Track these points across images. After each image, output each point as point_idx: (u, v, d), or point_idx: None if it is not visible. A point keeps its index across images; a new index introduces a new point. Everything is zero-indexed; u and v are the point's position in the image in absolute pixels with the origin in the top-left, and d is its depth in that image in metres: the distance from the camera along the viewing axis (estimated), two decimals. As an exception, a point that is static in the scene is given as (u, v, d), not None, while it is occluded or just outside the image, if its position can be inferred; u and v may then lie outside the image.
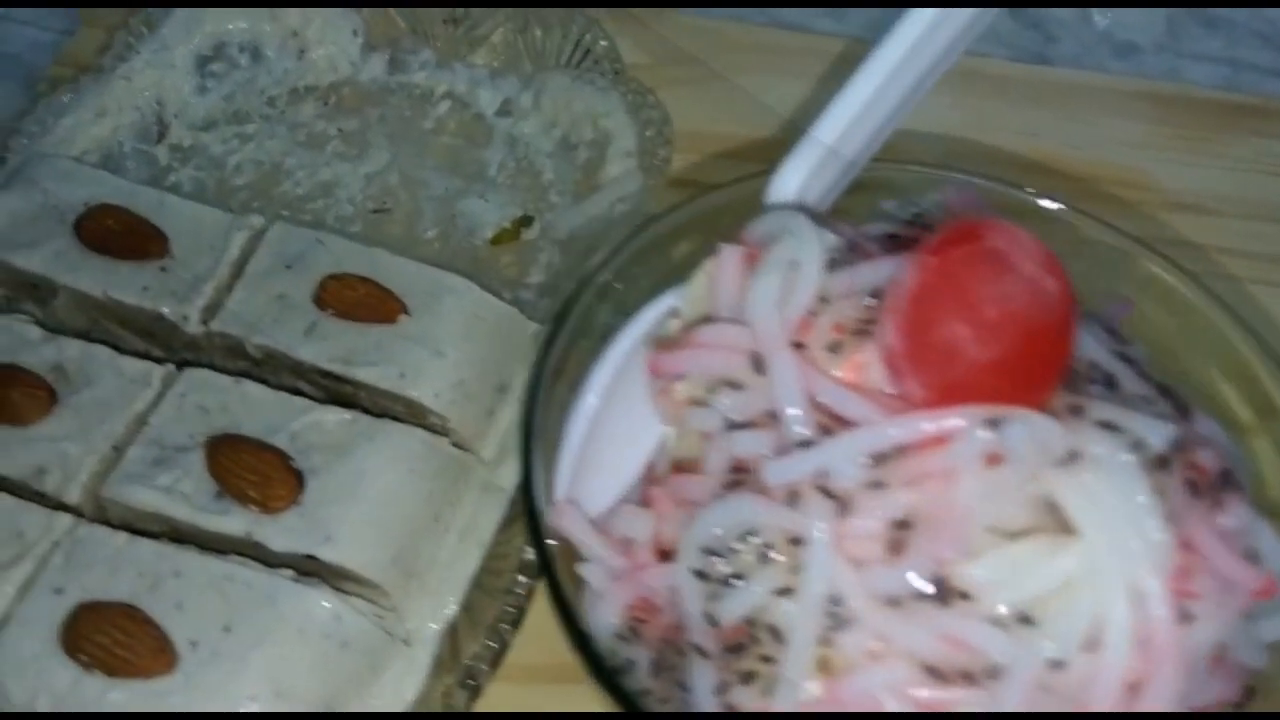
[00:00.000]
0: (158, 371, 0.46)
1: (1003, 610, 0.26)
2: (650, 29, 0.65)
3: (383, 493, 0.43)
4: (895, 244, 0.32)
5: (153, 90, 0.59)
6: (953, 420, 0.26)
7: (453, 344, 0.46)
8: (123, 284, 0.48)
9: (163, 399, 0.45)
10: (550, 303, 0.53)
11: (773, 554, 0.27)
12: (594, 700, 0.30)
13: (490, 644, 0.41)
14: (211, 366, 0.47)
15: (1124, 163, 0.61)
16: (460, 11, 0.62)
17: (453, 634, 0.43)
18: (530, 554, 0.43)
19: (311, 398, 0.46)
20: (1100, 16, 0.72)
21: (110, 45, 0.60)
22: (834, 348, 0.28)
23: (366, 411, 0.45)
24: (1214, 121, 0.64)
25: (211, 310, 0.48)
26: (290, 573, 0.41)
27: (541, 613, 0.43)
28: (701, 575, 0.28)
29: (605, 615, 0.30)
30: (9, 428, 0.44)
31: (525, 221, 0.56)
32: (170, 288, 0.48)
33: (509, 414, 0.48)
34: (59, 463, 0.43)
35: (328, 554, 0.41)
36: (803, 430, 0.28)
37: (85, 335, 0.48)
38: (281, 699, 0.38)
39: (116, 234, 0.49)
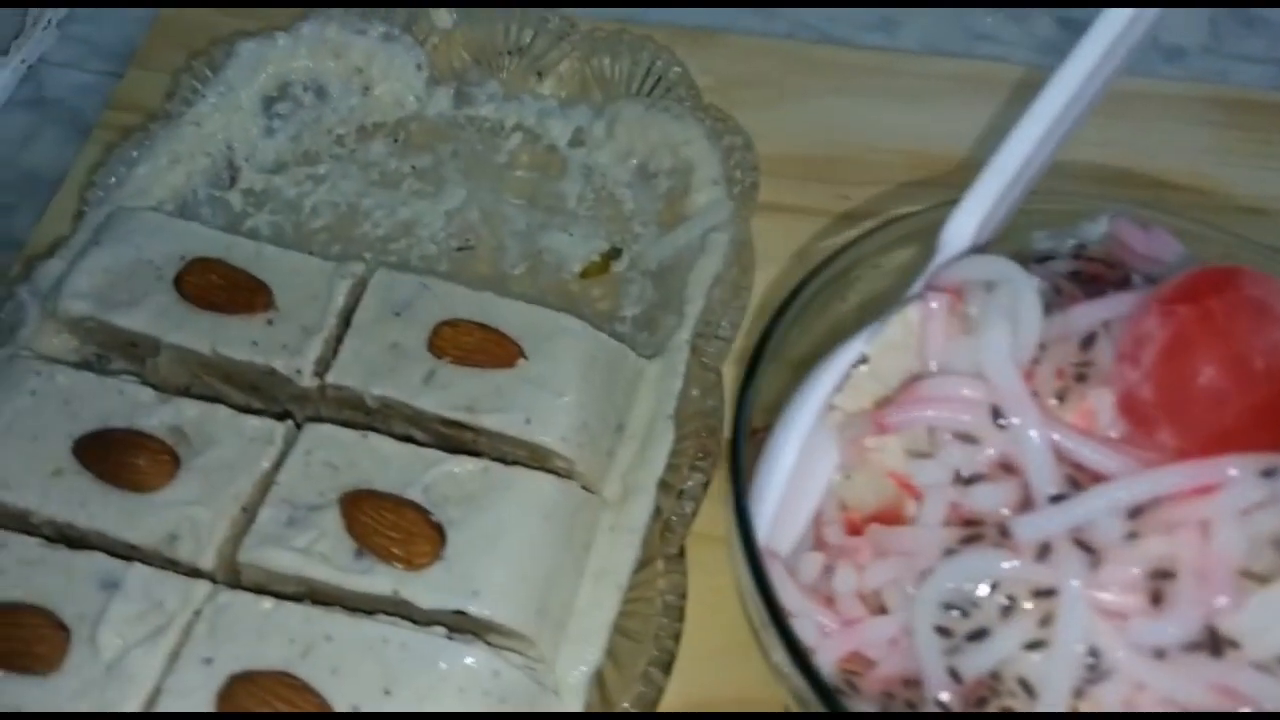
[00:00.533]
0: (279, 429, 0.45)
1: (1267, 656, 0.26)
2: (709, 51, 0.65)
3: (522, 542, 0.42)
4: (1086, 281, 0.32)
5: (222, 134, 0.58)
6: (1229, 470, 0.26)
7: (573, 386, 0.46)
8: (231, 340, 0.47)
9: (287, 457, 0.44)
10: (648, 335, 0.52)
11: (1019, 606, 0.27)
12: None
13: (644, 690, 0.41)
14: (319, 418, 0.46)
15: (1194, 169, 0.62)
16: (523, 41, 0.62)
17: (600, 682, 0.42)
18: (670, 597, 0.43)
19: (425, 445, 0.45)
20: (1145, 21, 0.73)
21: (175, 89, 0.59)
22: (1061, 395, 0.29)
23: (482, 457, 0.45)
24: (1273, 122, 0.65)
25: (324, 362, 0.47)
26: (442, 630, 0.40)
27: (689, 656, 0.43)
28: (942, 631, 0.28)
29: (821, 669, 0.30)
30: (135, 495, 0.43)
31: (614, 254, 0.56)
32: (280, 341, 0.47)
33: (627, 453, 0.48)
34: (190, 528, 0.42)
35: (477, 609, 0.41)
36: (1051, 486, 0.28)
37: (185, 392, 0.47)
38: (449, 761, 0.38)
39: (220, 289, 0.48)
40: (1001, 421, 0.29)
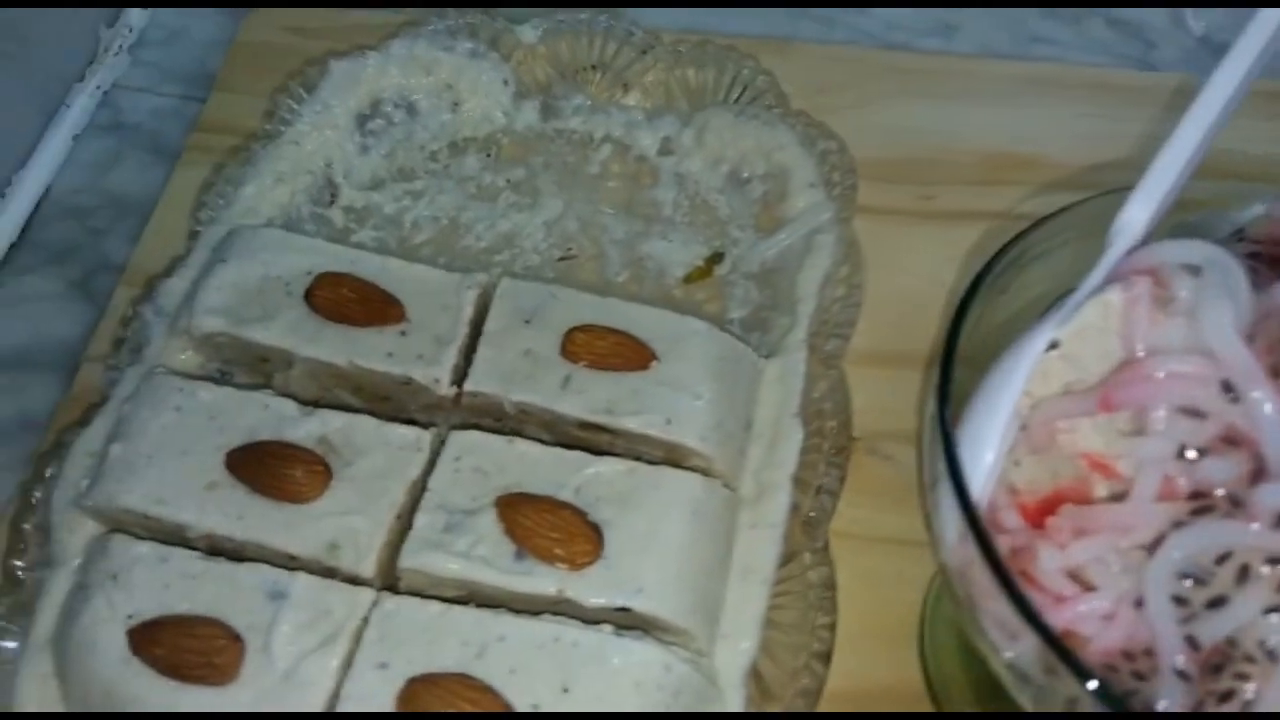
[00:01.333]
0: (425, 436, 0.45)
1: None
2: (785, 59, 0.66)
3: (677, 539, 0.43)
4: (1269, 262, 0.33)
5: (320, 153, 0.59)
6: None
7: (706, 386, 0.47)
8: (367, 351, 0.47)
9: (436, 464, 0.45)
10: (759, 336, 0.53)
11: (1256, 573, 0.28)
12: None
13: (807, 682, 0.42)
14: (460, 427, 0.47)
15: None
16: (606, 56, 0.63)
17: (756, 676, 0.43)
18: (822, 590, 0.44)
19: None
20: (1194, 20, 0.75)
21: (274, 109, 0.60)
22: (1275, 370, 0.30)
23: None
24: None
25: (459, 371, 0.48)
26: (610, 628, 0.41)
27: (844, 647, 0.44)
28: (1177, 600, 0.29)
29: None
30: (291, 506, 0.43)
31: (716, 258, 0.57)
32: (415, 351, 0.47)
33: (756, 452, 0.48)
34: (348, 537, 0.43)
35: (641, 605, 0.41)
36: (1286, 455, 0.29)
37: (315, 405, 0.48)
38: (631, 755, 0.39)
39: (352, 302, 0.48)
40: (1232, 395, 0.30)
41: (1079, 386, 0.33)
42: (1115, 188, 0.36)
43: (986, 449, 0.32)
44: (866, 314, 0.54)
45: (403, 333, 0.48)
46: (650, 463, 0.45)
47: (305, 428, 0.45)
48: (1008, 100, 0.65)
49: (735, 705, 0.42)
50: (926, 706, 0.45)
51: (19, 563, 0.44)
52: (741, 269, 0.57)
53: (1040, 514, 0.34)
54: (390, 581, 0.43)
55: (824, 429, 0.48)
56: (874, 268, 0.56)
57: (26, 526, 0.45)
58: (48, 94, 0.68)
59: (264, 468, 0.44)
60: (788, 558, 0.45)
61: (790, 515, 0.46)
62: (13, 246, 0.63)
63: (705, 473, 0.46)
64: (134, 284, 0.57)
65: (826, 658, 0.43)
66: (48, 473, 0.46)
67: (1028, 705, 0.32)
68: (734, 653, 0.43)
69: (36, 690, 0.42)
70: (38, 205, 0.65)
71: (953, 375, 0.32)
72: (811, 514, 0.46)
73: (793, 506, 0.46)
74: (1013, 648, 0.31)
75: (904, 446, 0.51)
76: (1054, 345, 0.33)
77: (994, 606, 0.31)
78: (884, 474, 0.51)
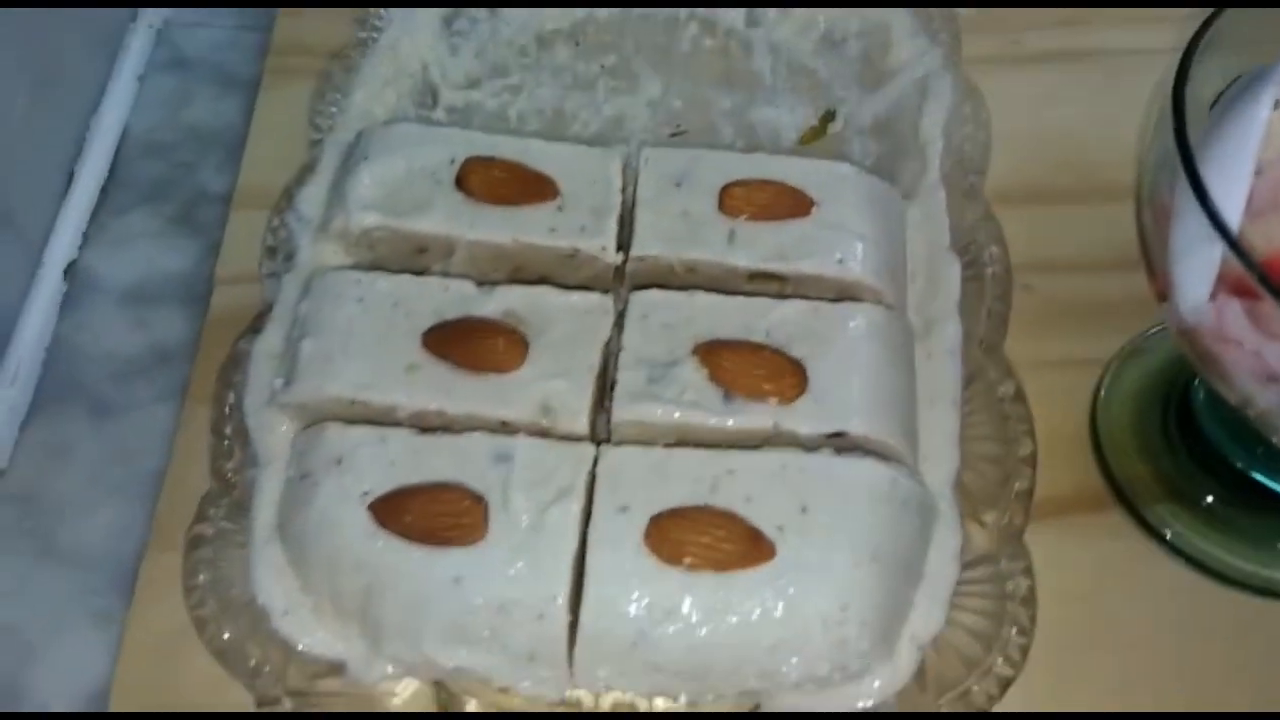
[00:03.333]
0: (607, 300, 0.46)
1: None
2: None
3: (873, 366, 0.44)
4: None
5: (415, 55, 0.59)
6: None
7: (868, 225, 0.48)
8: (529, 228, 0.48)
9: (624, 324, 0.45)
10: (890, 184, 0.54)
11: None
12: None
13: (1020, 484, 0.43)
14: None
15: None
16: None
17: (963, 491, 0.45)
18: (1013, 403, 0.46)
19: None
20: None
21: (365, 18, 0.59)
22: None
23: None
24: None
25: (622, 239, 0.48)
26: (830, 451, 0.42)
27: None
28: None
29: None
30: (496, 377, 0.44)
31: (830, 116, 0.58)
32: (576, 224, 0.48)
33: (915, 289, 0.50)
34: (558, 399, 0.43)
35: (855, 428, 0.43)
36: None
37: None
38: (879, 562, 0.40)
39: (505, 183, 0.49)
40: None
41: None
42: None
43: (1229, 207, 0.33)
44: (1006, 149, 0.55)
45: (559, 208, 0.48)
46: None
47: (490, 304, 0.46)
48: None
49: (949, 516, 0.44)
50: (1113, 508, 0.48)
51: (229, 464, 0.45)
52: (854, 125, 0.57)
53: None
54: (602, 437, 0.44)
55: (980, 258, 0.50)
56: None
57: (227, 431, 0.45)
58: (105, 35, 0.66)
59: (465, 343, 0.44)
60: (968, 380, 0.47)
61: (963, 341, 0.48)
62: (104, 189, 0.62)
63: (878, 309, 0.47)
64: (247, 206, 0.57)
65: (1032, 461, 0.44)
66: (234, 379, 0.46)
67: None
68: (939, 470, 0.45)
69: (274, 581, 0.42)
70: (119, 147, 0.64)
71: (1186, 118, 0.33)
72: (986, 337, 0.48)
73: (964, 334, 0.48)
74: (1268, 394, 0.33)
75: (1040, 276, 0.53)
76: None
77: (1244, 356, 0.33)
78: (1027, 302, 0.52)
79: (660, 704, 0.42)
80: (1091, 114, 0.59)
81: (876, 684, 0.40)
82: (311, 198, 0.51)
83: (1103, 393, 0.50)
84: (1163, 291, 0.36)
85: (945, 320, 0.48)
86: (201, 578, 0.42)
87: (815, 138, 0.57)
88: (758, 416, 0.43)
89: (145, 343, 0.57)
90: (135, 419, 0.54)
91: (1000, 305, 0.49)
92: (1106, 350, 0.52)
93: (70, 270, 0.59)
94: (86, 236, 0.61)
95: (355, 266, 0.50)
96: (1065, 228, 0.56)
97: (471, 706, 0.42)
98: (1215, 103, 0.39)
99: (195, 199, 0.62)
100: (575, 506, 0.41)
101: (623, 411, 0.43)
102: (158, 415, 0.54)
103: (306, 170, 0.53)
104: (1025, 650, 0.40)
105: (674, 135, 0.58)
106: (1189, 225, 0.33)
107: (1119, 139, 0.58)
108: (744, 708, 0.41)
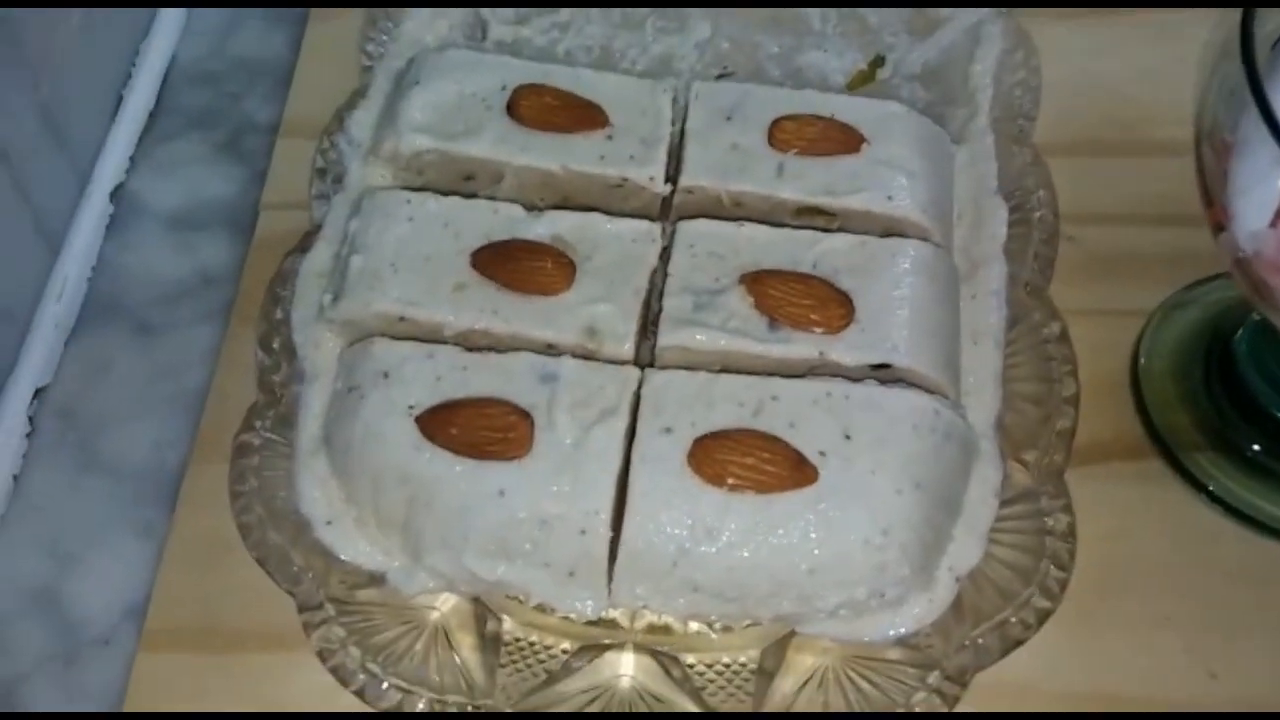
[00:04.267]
0: (655, 228, 0.46)
1: None
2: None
3: (919, 300, 0.44)
4: None
5: (467, -12, 0.59)
6: None
7: (917, 163, 0.48)
8: (579, 156, 0.48)
9: (671, 252, 0.45)
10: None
11: None
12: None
13: (1063, 423, 0.43)
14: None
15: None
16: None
17: (1003, 429, 0.45)
18: (1058, 344, 0.46)
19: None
20: None
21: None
22: None
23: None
24: None
25: (670, 170, 0.48)
26: (873, 382, 0.42)
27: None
28: None
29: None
30: (543, 299, 0.44)
31: (879, 61, 0.57)
32: (625, 153, 0.48)
33: (961, 231, 0.50)
34: (604, 323, 0.44)
35: (900, 359, 0.43)
36: None
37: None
38: (921, 490, 0.40)
39: (556, 109, 0.49)
40: None
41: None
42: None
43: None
44: (1054, 97, 0.55)
45: (609, 137, 0.49)
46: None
47: (538, 228, 0.46)
48: None
49: (990, 454, 0.44)
50: (1152, 456, 0.48)
51: (276, 378, 0.45)
52: (903, 71, 0.57)
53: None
54: (646, 362, 0.44)
55: (1027, 203, 0.50)
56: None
57: (274, 345, 0.46)
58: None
59: (513, 264, 0.44)
60: (1014, 322, 0.47)
61: (1008, 283, 0.48)
62: (151, 115, 0.63)
63: (924, 245, 0.47)
64: (294, 134, 0.57)
65: (1075, 401, 0.44)
66: (281, 294, 0.47)
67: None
68: (981, 409, 0.45)
69: (318, 491, 0.43)
70: (167, 75, 0.64)
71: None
72: (1031, 280, 0.48)
73: (1009, 277, 0.48)
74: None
75: (1083, 227, 0.53)
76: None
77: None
78: (1070, 253, 0.52)
79: (694, 628, 0.42)
80: (1141, 68, 0.59)
81: (915, 611, 0.40)
82: (362, 121, 0.52)
83: (1144, 343, 0.50)
84: (1220, 223, 0.36)
85: (990, 261, 0.48)
86: (248, 485, 0.42)
87: (863, 83, 0.57)
88: (803, 346, 0.43)
89: (190, 266, 0.57)
90: (178, 339, 0.55)
91: (1046, 249, 0.48)
92: (1147, 302, 0.52)
93: (117, 193, 0.60)
94: (133, 161, 0.61)
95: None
96: (1110, 181, 0.56)
97: (507, 625, 0.42)
98: (1278, 42, 0.39)
99: (242, 128, 0.62)
100: (620, 426, 0.41)
101: (668, 336, 0.43)
102: (200, 336, 0.54)
103: (357, 95, 0.53)
104: (1063, 585, 0.40)
105: (720, 77, 0.58)
106: (1254, 156, 0.33)
107: (1167, 94, 0.58)
108: (778, 633, 0.41)
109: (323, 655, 0.39)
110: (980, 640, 0.40)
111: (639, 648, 0.41)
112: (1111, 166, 0.56)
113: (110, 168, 0.60)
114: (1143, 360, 0.49)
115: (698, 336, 0.43)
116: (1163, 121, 0.57)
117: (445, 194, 0.47)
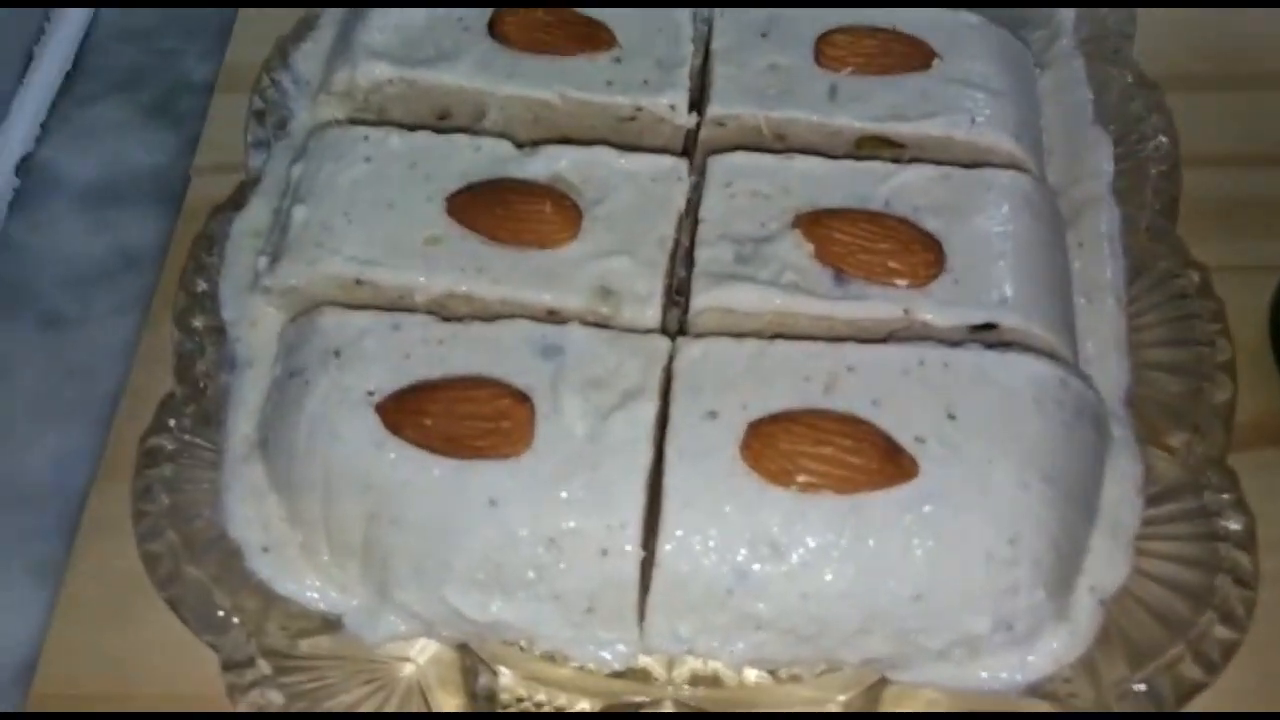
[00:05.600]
0: (682, 164, 0.36)
1: None
2: None
3: (1024, 243, 0.35)
4: None
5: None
6: None
7: (1003, 80, 0.38)
8: (580, 82, 0.38)
9: (703, 192, 0.36)
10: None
11: None
12: None
13: (1216, 401, 0.34)
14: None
15: None
16: None
17: (1135, 407, 0.35)
18: (1191, 291, 0.36)
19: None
20: None
21: None
22: None
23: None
24: None
25: (695, 96, 0.39)
26: (976, 346, 0.33)
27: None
28: None
29: None
30: (541, 252, 0.34)
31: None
32: (638, 77, 0.38)
33: (1057, 168, 0.40)
34: (621, 281, 0.34)
35: (1008, 318, 0.33)
36: None
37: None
38: (1051, 485, 0.30)
39: (550, 28, 0.39)
40: None
41: None
42: None
43: None
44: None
45: (617, 59, 0.39)
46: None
47: (531, 167, 0.36)
48: None
49: (1123, 439, 0.34)
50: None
51: (199, 365, 0.35)
52: (962, -4, 0.48)
53: None
54: (676, 329, 0.34)
55: (1133, 132, 0.40)
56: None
57: (196, 324, 0.36)
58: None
59: (501, 210, 0.34)
60: (1133, 274, 0.37)
61: (1123, 228, 0.38)
62: (69, 76, 0.53)
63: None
64: (235, 88, 0.48)
65: (1230, 367, 0.34)
66: (206, 260, 0.37)
67: None
68: (1104, 380, 0.35)
69: (252, 509, 0.32)
70: (89, 30, 0.55)
71: None
72: (1152, 223, 0.38)
73: (1124, 219, 0.38)
74: None
75: (1197, 171, 0.43)
76: None
77: None
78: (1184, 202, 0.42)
79: (752, 677, 0.32)
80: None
81: (1053, 646, 0.30)
82: (311, 54, 0.42)
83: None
84: None
85: (1098, 203, 0.39)
86: (157, 502, 0.32)
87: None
88: (881, 303, 0.33)
89: (108, 247, 0.47)
90: (92, 333, 0.45)
91: (1168, 184, 0.39)
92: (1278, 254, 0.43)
93: (24, 165, 0.50)
94: (45, 128, 0.51)
95: (362, 129, 0.41)
96: (1219, 117, 0.46)
97: (505, 680, 0.32)
98: None
99: (175, 88, 0.53)
100: (648, 410, 0.31)
101: (705, 296, 0.33)
102: (118, 329, 0.44)
103: (305, 25, 0.44)
104: (1250, 606, 0.30)
105: (744, 6, 0.48)
106: None
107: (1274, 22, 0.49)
108: (865, 681, 0.31)
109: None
110: (1142, 687, 0.29)
111: (681, 708, 0.31)
112: (1223, 102, 0.46)
113: (17, 137, 0.51)
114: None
115: (744, 294, 0.33)
116: (1272, 52, 0.48)
117: (413, 129, 0.37)
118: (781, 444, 0.30)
